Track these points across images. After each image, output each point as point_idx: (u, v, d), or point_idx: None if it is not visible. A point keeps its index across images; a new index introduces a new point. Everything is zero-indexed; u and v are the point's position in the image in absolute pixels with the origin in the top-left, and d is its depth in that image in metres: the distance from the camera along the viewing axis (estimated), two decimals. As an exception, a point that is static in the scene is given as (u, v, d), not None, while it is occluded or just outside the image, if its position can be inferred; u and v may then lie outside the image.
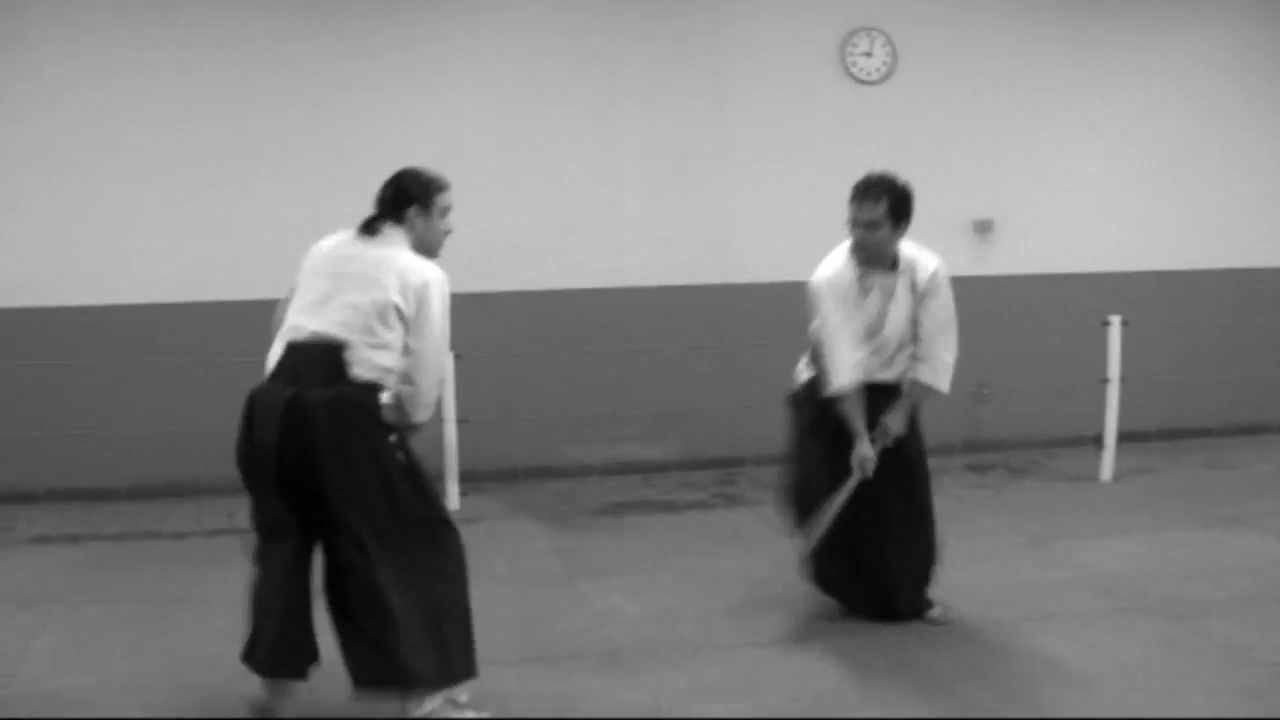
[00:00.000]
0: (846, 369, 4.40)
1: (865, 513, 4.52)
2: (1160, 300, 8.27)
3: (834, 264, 4.51)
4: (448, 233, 3.85)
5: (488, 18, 7.51)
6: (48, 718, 3.83)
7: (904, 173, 7.77)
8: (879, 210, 4.38)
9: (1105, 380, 7.19)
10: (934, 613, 4.61)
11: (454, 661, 3.60)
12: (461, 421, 6.74)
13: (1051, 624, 4.57)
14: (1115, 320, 7.16)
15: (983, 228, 8.08)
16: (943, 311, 4.55)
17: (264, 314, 3.90)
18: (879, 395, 4.53)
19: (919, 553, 4.60)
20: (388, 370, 3.57)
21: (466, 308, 7.20)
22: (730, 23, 7.76)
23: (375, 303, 3.54)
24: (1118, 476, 7.21)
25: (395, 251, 3.65)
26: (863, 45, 7.90)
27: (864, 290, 4.47)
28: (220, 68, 7.16)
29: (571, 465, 7.68)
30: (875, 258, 4.46)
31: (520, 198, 7.52)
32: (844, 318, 4.44)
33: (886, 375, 4.56)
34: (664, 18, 7.70)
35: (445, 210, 3.82)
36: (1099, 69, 8.30)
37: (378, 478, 3.51)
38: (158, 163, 7.09)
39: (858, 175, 8.48)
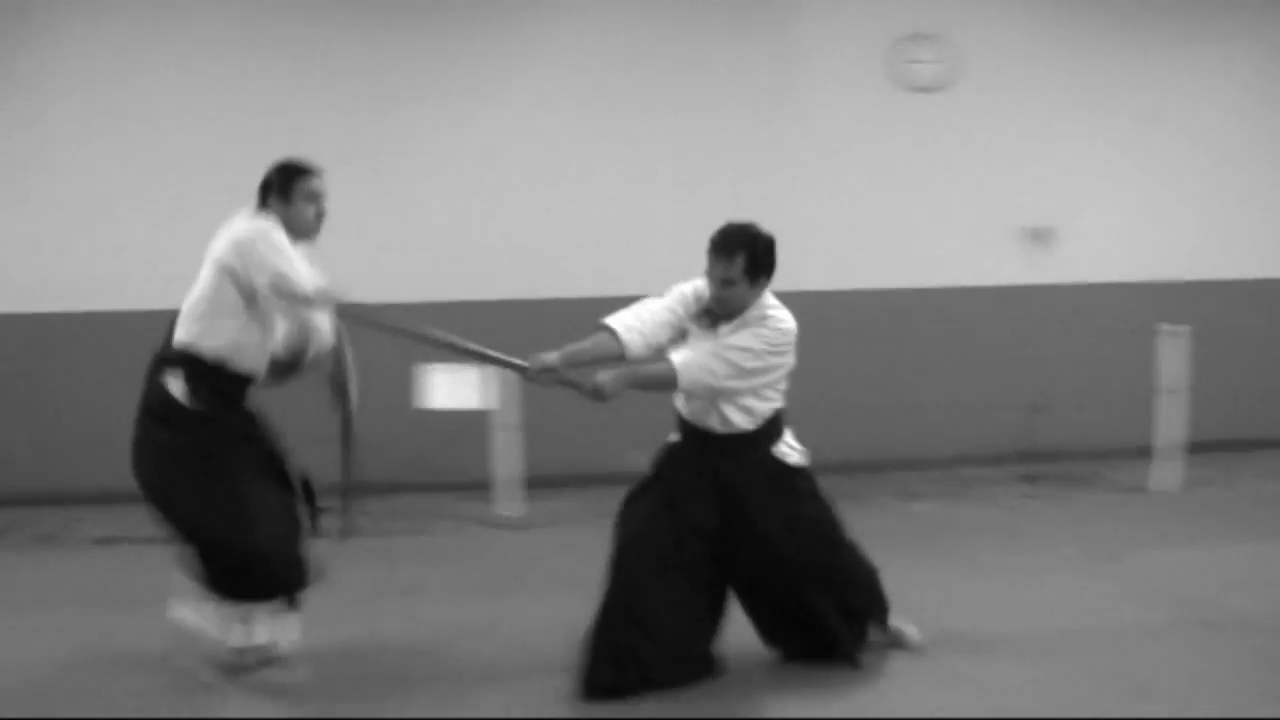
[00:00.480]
0: (622, 321, 4.27)
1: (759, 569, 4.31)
2: (1223, 309, 8.13)
3: (692, 284, 4.29)
4: (318, 217, 4.14)
5: (533, 28, 7.59)
6: (107, 718, 3.89)
7: (960, 179, 7.80)
8: (735, 268, 4.05)
9: (1165, 390, 7.08)
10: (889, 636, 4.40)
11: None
12: (524, 429, 6.79)
13: (1107, 636, 4.52)
14: (1175, 329, 7.04)
15: (1041, 235, 8.01)
16: (746, 346, 4.12)
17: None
18: (716, 444, 4.37)
19: (845, 593, 4.28)
20: (205, 317, 3.99)
21: (532, 314, 7.31)
22: (788, 28, 7.77)
23: (206, 272, 4.01)
24: (1177, 488, 7.11)
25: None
26: (919, 52, 7.87)
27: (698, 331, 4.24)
28: (249, 70, 7.29)
29: (631, 472, 7.67)
30: (731, 315, 4.19)
31: (572, 204, 7.59)
32: (666, 302, 4.27)
33: (712, 422, 4.34)
34: (725, 22, 7.73)
35: (310, 196, 4.11)
36: (1157, 77, 8.20)
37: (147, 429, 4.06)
38: (200, 169, 7.18)
39: (913, 182, 8.37)
